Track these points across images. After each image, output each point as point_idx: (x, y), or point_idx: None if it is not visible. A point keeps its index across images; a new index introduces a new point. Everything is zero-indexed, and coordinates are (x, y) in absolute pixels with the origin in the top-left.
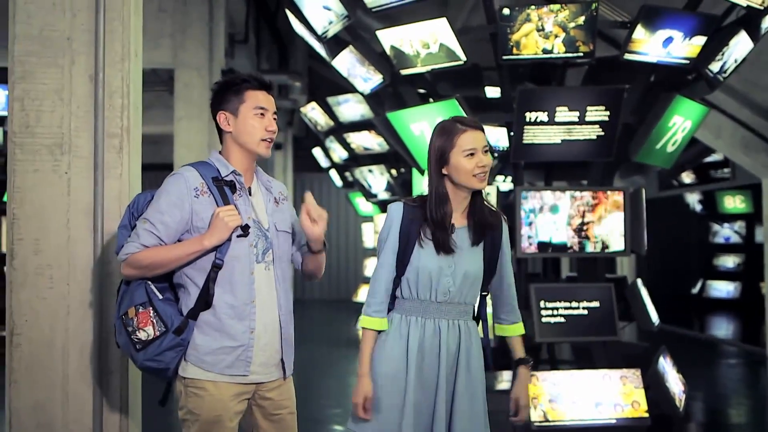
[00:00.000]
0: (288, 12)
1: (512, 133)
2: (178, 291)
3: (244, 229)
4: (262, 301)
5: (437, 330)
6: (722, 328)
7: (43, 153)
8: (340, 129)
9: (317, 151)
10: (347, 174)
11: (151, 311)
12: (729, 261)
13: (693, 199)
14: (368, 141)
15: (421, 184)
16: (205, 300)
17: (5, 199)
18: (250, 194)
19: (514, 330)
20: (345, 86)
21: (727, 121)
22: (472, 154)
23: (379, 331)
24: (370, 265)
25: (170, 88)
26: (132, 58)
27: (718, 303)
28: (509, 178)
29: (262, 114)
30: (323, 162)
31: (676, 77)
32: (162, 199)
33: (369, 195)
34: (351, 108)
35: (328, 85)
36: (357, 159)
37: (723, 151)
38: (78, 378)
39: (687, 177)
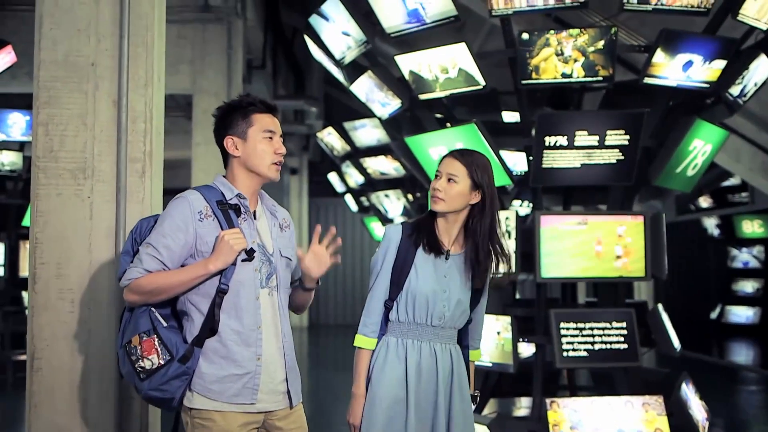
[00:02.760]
0: (306, 37)
1: (531, 158)
2: (181, 318)
3: (249, 253)
4: (267, 327)
5: (433, 352)
6: (742, 354)
7: (66, 177)
8: (356, 154)
9: (333, 176)
10: (363, 199)
11: (156, 339)
12: (748, 286)
13: (710, 224)
14: (384, 166)
15: None
16: (210, 326)
17: (25, 223)
18: (254, 218)
19: (476, 355)
20: (361, 111)
21: (746, 144)
22: (436, 177)
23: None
24: None
25: (187, 113)
26: (155, 84)
27: (737, 328)
28: (526, 203)
29: (270, 137)
30: (339, 187)
31: (695, 101)
32: (165, 223)
33: (385, 220)
34: (367, 133)
35: (344, 110)
36: (373, 184)
37: (742, 175)
38: (98, 403)
39: (704, 201)
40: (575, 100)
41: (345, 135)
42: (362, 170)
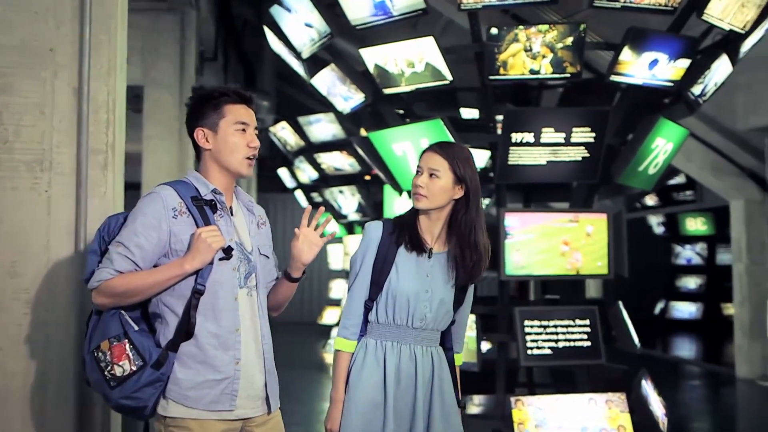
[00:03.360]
0: (266, 28)
1: (491, 155)
2: (154, 321)
3: (227, 252)
4: (246, 329)
5: (413, 356)
6: (685, 349)
7: (22, 170)
8: (310, 149)
9: (283, 172)
10: (314, 194)
11: (127, 344)
12: (691, 282)
13: (655, 221)
14: (339, 161)
15: (393, 205)
16: (186, 329)
17: None
18: (231, 214)
19: (459, 359)
20: (313, 107)
21: (697, 144)
22: (417, 173)
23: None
24: (335, 288)
25: (134, 106)
26: (118, 73)
27: (680, 324)
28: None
29: (243, 129)
30: (289, 182)
31: (655, 99)
32: (137, 220)
33: (339, 216)
34: (322, 128)
35: (296, 105)
36: (327, 179)
37: (694, 174)
38: (56, 412)
39: (650, 199)
40: (535, 97)
41: (299, 130)
42: (316, 166)
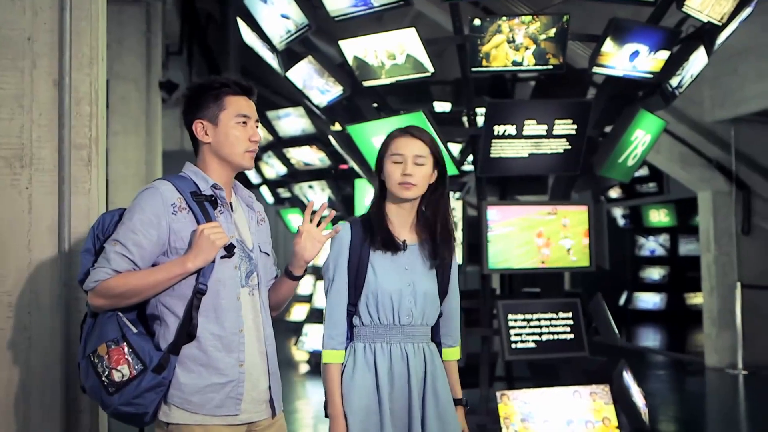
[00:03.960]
0: (239, 20)
1: (476, 148)
2: (152, 323)
3: (229, 249)
4: (249, 330)
5: (404, 355)
6: (650, 339)
7: (1, 166)
8: (279, 143)
9: None
10: (281, 190)
11: (126, 347)
12: (655, 273)
13: (619, 214)
14: (309, 156)
15: (364, 199)
16: (187, 331)
17: None
18: (231, 210)
19: (454, 353)
20: (278, 102)
21: (665, 136)
22: (398, 162)
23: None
24: (303, 283)
25: None
26: (100, 62)
27: (645, 314)
28: (458, 193)
29: (244, 122)
30: (254, 178)
31: (632, 91)
32: (135, 217)
33: None
34: (292, 122)
35: (261, 101)
36: (295, 174)
37: (662, 166)
38: (41, 419)
39: (614, 192)
40: (510, 90)
41: (268, 124)
42: (285, 161)
